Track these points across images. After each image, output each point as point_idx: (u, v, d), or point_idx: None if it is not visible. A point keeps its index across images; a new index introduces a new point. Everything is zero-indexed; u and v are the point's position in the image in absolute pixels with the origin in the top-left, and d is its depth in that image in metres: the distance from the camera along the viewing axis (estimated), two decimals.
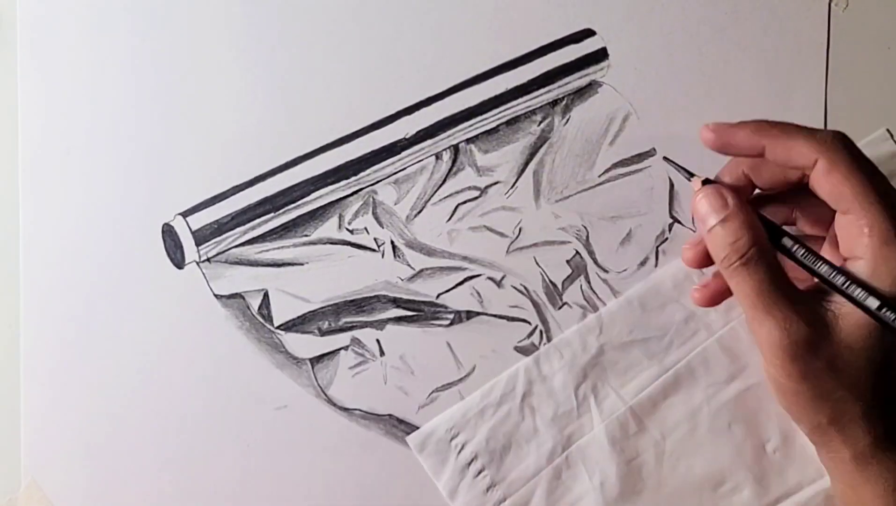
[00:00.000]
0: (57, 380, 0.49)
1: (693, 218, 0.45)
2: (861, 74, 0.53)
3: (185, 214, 0.49)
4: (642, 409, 0.49)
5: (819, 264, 0.40)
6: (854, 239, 0.38)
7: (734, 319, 0.50)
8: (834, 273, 0.39)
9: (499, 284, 0.50)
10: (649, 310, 0.50)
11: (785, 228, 0.42)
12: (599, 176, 0.51)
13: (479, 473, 0.49)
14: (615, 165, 0.51)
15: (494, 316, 0.50)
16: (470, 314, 0.50)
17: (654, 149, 0.51)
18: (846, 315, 0.38)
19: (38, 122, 0.49)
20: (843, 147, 0.39)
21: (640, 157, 0.51)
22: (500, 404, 0.49)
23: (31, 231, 0.49)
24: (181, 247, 0.49)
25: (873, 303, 0.38)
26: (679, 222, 0.51)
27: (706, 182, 0.43)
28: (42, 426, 0.49)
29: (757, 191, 0.44)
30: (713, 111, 0.52)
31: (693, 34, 0.52)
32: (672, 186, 0.51)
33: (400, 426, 0.49)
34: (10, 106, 0.49)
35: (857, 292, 0.38)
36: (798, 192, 0.42)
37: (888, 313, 0.37)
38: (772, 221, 0.41)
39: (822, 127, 0.52)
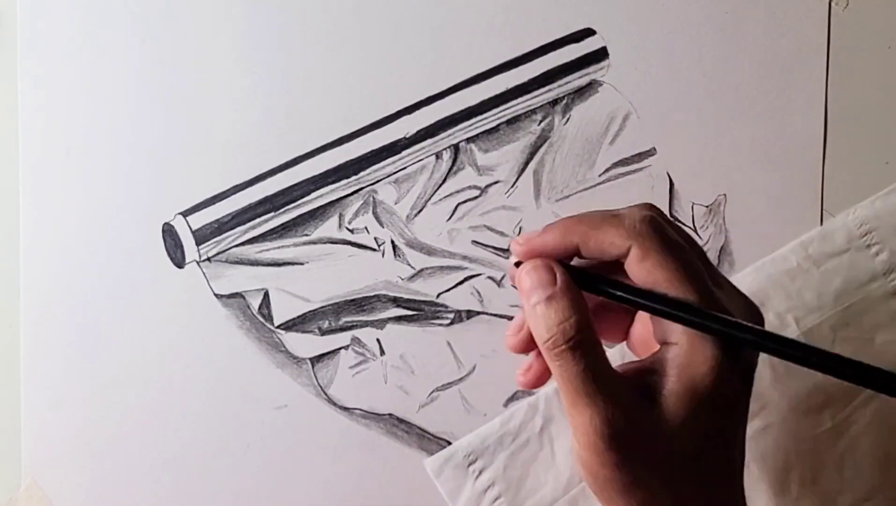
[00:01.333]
0: (57, 380, 0.49)
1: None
2: (861, 74, 0.53)
3: (185, 214, 0.49)
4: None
5: (649, 297, 0.37)
6: (669, 325, 0.37)
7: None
8: (663, 302, 0.37)
9: (499, 283, 0.50)
10: None
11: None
12: (600, 175, 0.51)
13: (496, 499, 0.49)
14: (615, 165, 0.51)
15: (495, 315, 0.50)
16: (470, 314, 0.50)
17: (655, 148, 0.51)
18: (665, 404, 0.37)
19: (38, 122, 0.49)
20: (654, 232, 0.37)
21: (641, 156, 0.51)
22: (520, 431, 0.49)
23: (32, 231, 0.49)
24: (181, 246, 0.49)
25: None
26: (679, 222, 0.51)
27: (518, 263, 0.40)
28: (42, 426, 0.49)
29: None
30: (713, 110, 0.52)
31: (693, 34, 0.52)
32: (672, 185, 0.51)
33: (400, 426, 0.49)
34: (10, 106, 0.49)
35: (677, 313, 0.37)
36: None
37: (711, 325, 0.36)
38: (584, 270, 0.39)
39: (822, 123, 0.52)
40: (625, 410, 0.36)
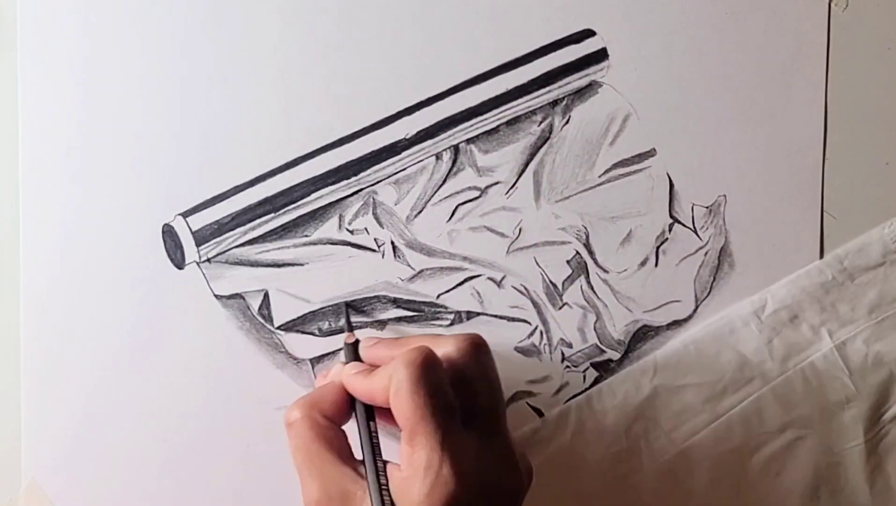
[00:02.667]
0: (57, 380, 0.49)
1: None
2: (861, 75, 0.53)
3: (185, 215, 0.49)
4: (693, 453, 0.49)
5: (367, 457, 0.42)
6: (403, 456, 0.40)
7: (790, 369, 0.50)
8: (373, 462, 0.41)
9: (499, 284, 0.50)
10: (705, 355, 0.50)
11: None
12: (600, 176, 0.51)
13: None
14: (615, 166, 0.51)
15: (495, 316, 0.50)
16: (470, 315, 0.50)
17: (655, 149, 0.51)
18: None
19: (39, 122, 0.49)
20: (410, 371, 0.40)
21: (641, 157, 0.51)
22: (552, 439, 0.49)
23: (32, 232, 0.49)
24: (181, 247, 0.49)
25: None
26: (679, 223, 0.51)
27: (354, 343, 0.46)
28: (42, 426, 0.49)
29: None
30: (713, 111, 0.52)
31: (693, 34, 0.52)
32: (672, 186, 0.51)
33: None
34: (10, 106, 0.49)
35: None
36: None
37: None
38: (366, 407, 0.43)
39: (821, 123, 0.52)
40: (326, 491, 0.41)
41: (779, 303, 0.51)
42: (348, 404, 0.44)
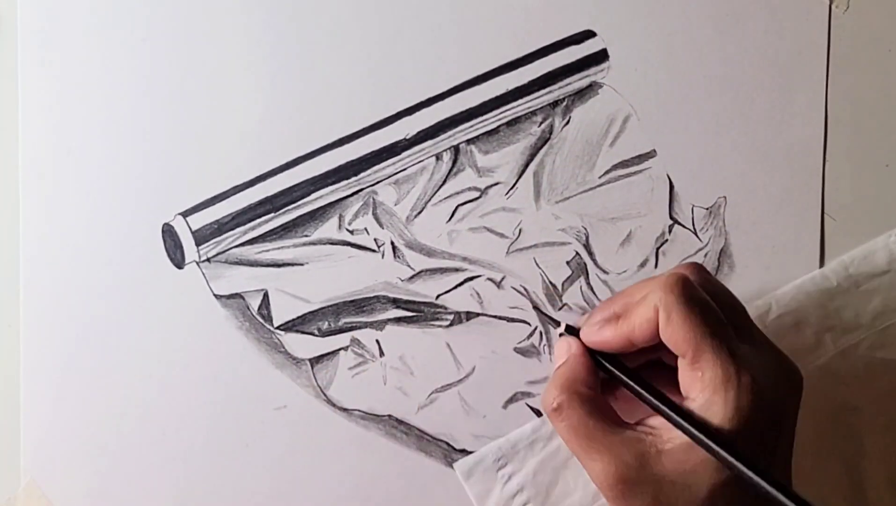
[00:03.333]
0: (56, 379, 0.49)
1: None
2: (862, 77, 0.53)
3: (185, 214, 0.49)
4: None
5: (654, 397, 0.41)
6: (689, 383, 0.40)
7: None
8: (666, 407, 0.40)
9: (499, 285, 0.50)
10: None
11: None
12: (600, 177, 0.51)
13: (525, 504, 0.49)
14: (615, 167, 0.51)
15: (494, 317, 0.50)
16: (470, 315, 0.50)
17: (655, 150, 0.51)
18: (668, 452, 0.39)
19: (39, 122, 0.49)
20: (676, 293, 0.40)
21: (641, 158, 0.51)
22: (552, 438, 0.49)
23: (32, 231, 0.49)
24: (181, 247, 0.49)
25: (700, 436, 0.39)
26: (679, 224, 0.51)
27: (568, 329, 0.45)
28: (41, 426, 0.49)
29: None
30: (713, 113, 0.52)
31: (694, 35, 0.52)
32: (672, 187, 0.51)
33: (399, 427, 0.49)
34: (10, 106, 0.49)
35: (684, 426, 0.39)
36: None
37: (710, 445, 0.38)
38: (613, 358, 0.43)
39: (822, 125, 0.52)
40: (626, 458, 0.39)
41: (783, 308, 0.51)
42: (596, 370, 0.43)
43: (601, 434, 0.40)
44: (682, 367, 0.40)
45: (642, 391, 0.41)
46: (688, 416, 0.39)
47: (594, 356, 0.43)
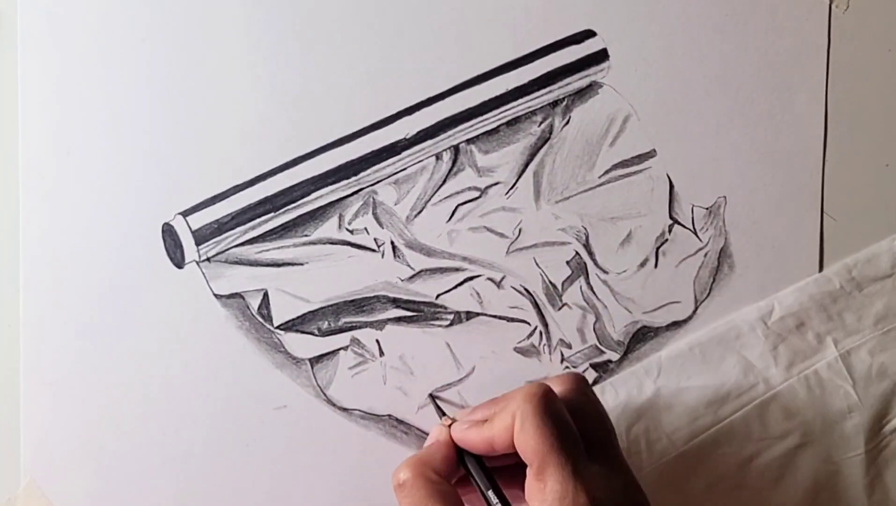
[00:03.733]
0: (56, 379, 0.49)
1: None
2: (861, 76, 0.53)
3: (185, 214, 0.49)
4: (693, 456, 0.49)
5: (490, 494, 0.42)
6: (532, 493, 0.40)
7: (794, 377, 0.50)
8: None
9: (498, 284, 0.50)
10: (710, 358, 0.50)
11: None
12: (599, 177, 0.51)
13: None
14: (615, 167, 0.51)
15: (494, 317, 0.50)
16: (469, 315, 0.50)
17: (655, 150, 0.51)
18: None
19: (39, 122, 0.49)
20: (534, 405, 0.40)
21: (641, 158, 0.51)
22: None
23: (32, 231, 0.49)
24: (181, 246, 0.49)
25: None
26: (679, 224, 0.51)
27: (443, 415, 0.47)
28: (41, 425, 0.49)
29: None
30: (713, 112, 0.52)
31: (694, 35, 0.52)
32: (672, 187, 0.51)
33: (399, 427, 0.49)
34: (10, 106, 0.49)
35: None
36: None
37: None
38: (476, 457, 0.44)
39: (822, 124, 0.52)
40: None
41: (786, 310, 0.51)
42: (456, 461, 0.44)
43: None
44: (529, 476, 0.40)
45: (483, 489, 0.42)
46: None
47: (458, 450, 0.44)
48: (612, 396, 0.50)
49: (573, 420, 0.41)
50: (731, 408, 0.50)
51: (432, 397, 0.50)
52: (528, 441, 0.39)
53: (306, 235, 0.50)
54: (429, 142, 0.50)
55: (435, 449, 0.44)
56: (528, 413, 0.40)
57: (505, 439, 0.41)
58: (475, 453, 0.43)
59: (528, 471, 0.40)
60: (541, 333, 0.50)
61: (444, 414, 0.48)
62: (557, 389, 0.43)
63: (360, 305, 0.50)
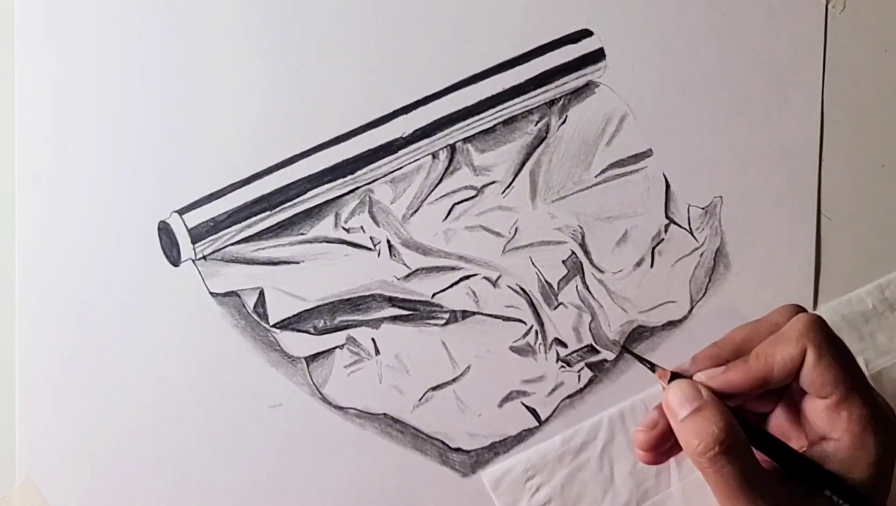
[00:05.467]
0: (52, 377, 0.49)
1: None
2: (858, 77, 0.53)
3: (181, 212, 0.49)
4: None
5: (796, 458, 0.40)
6: (831, 422, 0.40)
7: None
8: (811, 470, 0.40)
9: (494, 283, 0.50)
10: None
11: None
12: (596, 176, 0.51)
13: None
14: (612, 166, 0.51)
15: (490, 316, 0.50)
16: (465, 314, 0.50)
17: (651, 149, 0.51)
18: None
19: (35, 119, 0.49)
20: (826, 336, 0.40)
21: (637, 157, 0.51)
22: (580, 451, 0.49)
23: (27, 228, 0.49)
24: (177, 245, 0.49)
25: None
26: (675, 223, 0.51)
27: (674, 376, 0.42)
28: (37, 423, 0.49)
29: None
30: (710, 112, 0.52)
31: (690, 35, 0.52)
32: (668, 186, 0.51)
33: (395, 425, 0.49)
34: (6, 103, 0.49)
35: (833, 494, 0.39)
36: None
37: None
38: (743, 415, 0.41)
39: (818, 125, 0.52)
40: None
41: None
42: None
43: (760, 484, 0.38)
44: (822, 407, 0.40)
45: (784, 457, 0.40)
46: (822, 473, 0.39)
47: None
48: (643, 411, 0.50)
49: None
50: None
51: (625, 349, 0.49)
52: (828, 372, 0.39)
53: (302, 234, 0.50)
54: (425, 141, 0.50)
55: (717, 409, 0.40)
56: (825, 344, 0.40)
57: (789, 371, 0.40)
58: (734, 396, 0.41)
59: (820, 403, 0.40)
60: (536, 332, 0.50)
61: (655, 366, 0.43)
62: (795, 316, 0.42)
63: (355, 303, 0.50)
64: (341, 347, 0.50)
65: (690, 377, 0.41)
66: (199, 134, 0.50)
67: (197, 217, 0.49)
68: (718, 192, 0.52)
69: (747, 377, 0.40)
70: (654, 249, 0.51)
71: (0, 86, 0.49)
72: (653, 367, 0.42)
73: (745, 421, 0.40)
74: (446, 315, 0.50)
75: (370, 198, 0.50)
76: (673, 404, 0.41)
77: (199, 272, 0.49)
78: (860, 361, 0.50)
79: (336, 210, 0.50)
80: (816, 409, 0.40)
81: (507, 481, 0.49)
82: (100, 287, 0.49)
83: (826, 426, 0.40)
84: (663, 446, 0.42)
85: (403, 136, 0.50)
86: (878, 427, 0.39)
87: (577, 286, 0.51)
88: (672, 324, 0.51)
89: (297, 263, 0.50)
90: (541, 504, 0.49)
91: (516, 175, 0.51)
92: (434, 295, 0.50)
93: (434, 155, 0.51)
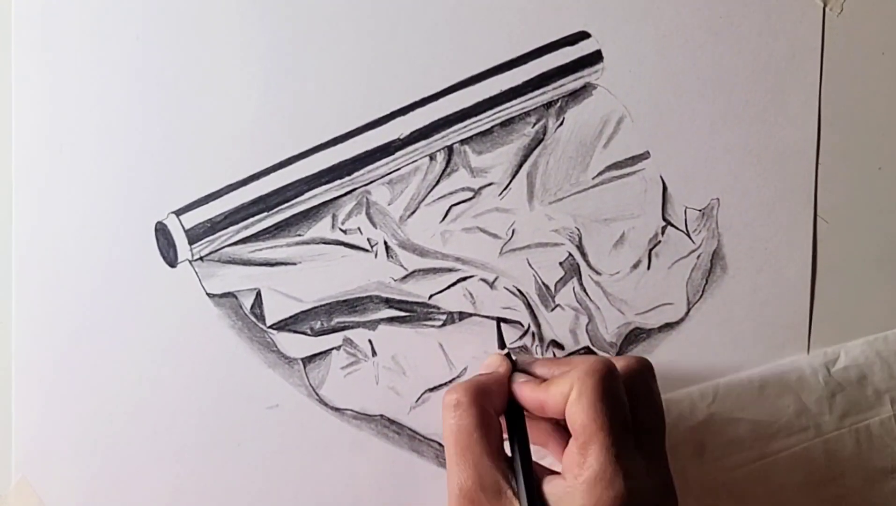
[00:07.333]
0: (48, 377, 0.49)
1: None
2: (855, 79, 0.53)
3: (178, 213, 0.49)
4: (732, 487, 0.49)
5: (515, 457, 0.42)
6: (570, 463, 0.40)
7: (845, 427, 0.51)
8: (518, 469, 0.41)
9: (491, 285, 0.50)
10: (767, 393, 0.51)
11: None
12: (593, 178, 0.51)
13: None
14: (609, 168, 0.51)
15: (487, 317, 0.50)
16: (462, 315, 0.50)
17: (648, 152, 0.51)
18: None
19: (32, 119, 0.49)
20: (595, 381, 0.40)
21: (634, 159, 0.51)
22: None
23: (24, 229, 0.49)
24: (174, 245, 0.49)
25: None
26: (672, 225, 0.51)
27: (510, 358, 0.46)
28: (33, 423, 0.49)
29: None
30: (707, 114, 0.52)
31: (688, 37, 0.52)
32: (665, 189, 0.51)
33: (391, 427, 0.49)
34: (4, 103, 0.49)
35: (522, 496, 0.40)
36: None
37: None
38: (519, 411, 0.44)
39: (815, 127, 0.52)
40: (480, 482, 0.40)
41: (851, 360, 0.51)
42: (507, 403, 0.44)
43: (479, 449, 0.41)
44: (571, 446, 0.40)
45: (515, 445, 0.42)
46: (534, 490, 0.40)
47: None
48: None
49: (629, 404, 0.41)
50: (779, 446, 0.50)
51: (499, 321, 0.50)
52: (580, 415, 0.39)
53: (299, 235, 0.50)
54: (422, 142, 0.50)
55: (494, 384, 0.44)
56: (587, 388, 0.40)
57: (558, 405, 0.41)
58: (527, 407, 0.43)
59: (572, 442, 0.40)
60: (533, 333, 0.50)
61: (505, 345, 0.48)
62: (621, 368, 0.42)
63: (352, 304, 0.50)
64: (338, 348, 0.50)
65: (515, 362, 0.45)
66: (196, 135, 0.49)
67: (194, 218, 0.49)
68: (715, 194, 0.52)
69: (530, 397, 0.43)
70: (650, 251, 0.51)
71: None
72: (503, 346, 0.47)
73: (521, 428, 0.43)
74: (443, 317, 0.50)
75: (367, 199, 0.50)
76: (482, 366, 0.47)
77: (196, 273, 0.49)
78: (886, 398, 0.51)
79: (333, 211, 0.50)
80: (570, 447, 0.40)
81: None
82: (97, 288, 0.49)
83: (567, 464, 0.40)
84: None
85: (401, 137, 0.50)
86: (602, 488, 0.38)
87: (574, 288, 0.51)
88: (669, 326, 0.51)
89: (294, 264, 0.50)
90: None
91: (513, 177, 0.51)
92: (431, 296, 0.50)
93: (431, 156, 0.51)
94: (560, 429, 0.45)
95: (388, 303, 0.50)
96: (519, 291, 0.50)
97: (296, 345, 0.49)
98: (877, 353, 0.52)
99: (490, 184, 0.51)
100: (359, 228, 0.50)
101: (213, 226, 0.49)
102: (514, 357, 0.46)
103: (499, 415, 0.43)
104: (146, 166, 0.49)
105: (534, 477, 0.41)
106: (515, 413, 0.44)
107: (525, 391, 0.43)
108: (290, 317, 0.49)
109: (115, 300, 0.49)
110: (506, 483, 0.40)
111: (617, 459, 0.39)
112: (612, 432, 0.39)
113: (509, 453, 0.42)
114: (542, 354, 0.50)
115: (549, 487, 0.40)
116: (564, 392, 0.41)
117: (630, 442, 0.40)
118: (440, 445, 0.50)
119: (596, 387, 0.40)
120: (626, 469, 0.39)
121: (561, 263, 0.51)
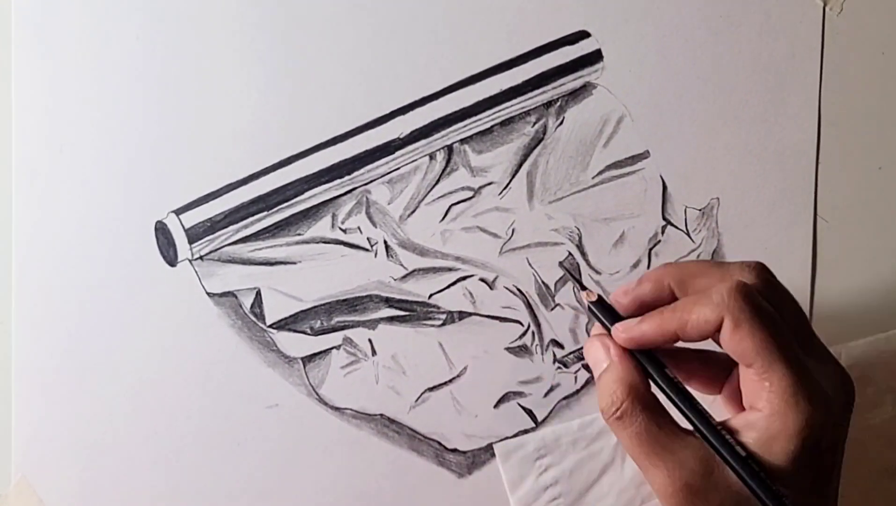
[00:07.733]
0: (49, 377, 0.49)
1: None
2: (855, 79, 0.53)
3: (178, 212, 0.49)
4: None
5: (694, 416, 0.40)
6: (755, 392, 0.39)
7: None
8: (705, 427, 0.39)
9: (491, 284, 0.50)
10: None
11: None
12: (593, 178, 0.51)
13: (555, 499, 0.49)
14: (609, 167, 0.51)
15: (487, 317, 0.50)
16: (462, 315, 0.50)
17: (648, 151, 0.51)
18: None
19: (32, 119, 0.49)
20: (744, 302, 0.39)
21: (634, 159, 0.51)
22: (596, 439, 0.49)
23: (24, 228, 0.49)
24: (174, 245, 0.49)
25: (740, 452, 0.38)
26: (672, 225, 0.51)
27: (600, 300, 0.43)
28: (33, 423, 0.49)
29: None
30: (707, 114, 0.52)
31: (688, 37, 0.52)
32: (665, 188, 0.51)
33: (391, 426, 0.49)
34: (4, 102, 0.49)
35: (727, 447, 0.39)
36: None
37: (749, 467, 0.38)
38: (661, 366, 0.41)
39: (815, 127, 0.52)
40: (689, 467, 0.38)
41: (851, 360, 0.51)
42: (642, 370, 0.41)
43: (667, 440, 0.39)
44: (747, 375, 0.39)
45: (688, 413, 0.40)
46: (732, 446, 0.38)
47: (637, 358, 0.41)
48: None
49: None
50: None
51: (565, 267, 0.49)
52: (745, 341, 0.38)
53: (299, 234, 0.50)
54: (422, 141, 0.50)
55: (625, 369, 0.41)
56: (744, 313, 0.38)
57: (701, 331, 0.39)
58: (649, 347, 0.41)
59: (746, 371, 0.39)
60: (533, 333, 0.50)
61: (584, 287, 0.44)
62: (747, 278, 0.40)
63: (352, 304, 0.50)
64: (338, 347, 0.50)
65: (610, 306, 0.43)
66: (196, 134, 0.50)
67: (194, 217, 0.49)
68: (715, 193, 0.52)
69: (660, 331, 0.40)
70: (650, 250, 0.51)
71: None
72: (582, 287, 0.44)
73: (666, 376, 0.41)
74: (443, 316, 0.50)
75: (367, 198, 0.50)
76: (591, 362, 0.43)
77: (196, 272, 0.49)
78: (887, 398, 0.51)
79: (333, 211, 0.50)
80: (745, 377, 0.39)
81: (518, 456, 0.49)
82: (96, 287, 0.49)
83: (752, 396, 0.39)
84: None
85: (401, 136, 0.50)
86: (803, 400, 0.37)
87: (573, 288, 0.51)
88: None
89: (294, 263, 0.50)
90: (546, 485, 0.49)
91: (513, 176, 0.51)
92: (431, 296, 0.50)
93: (431, 156, 0.51)
94: (698, 357, 0.43)
95: (388, 302, 0.50)
96: (519, 290, 0.50)
97: (295, 344, 0.49)
98: (878, 353, 0.52)
99: (490, 183, 0.51)
100: (359, 228, 0.50)
101: (213, 225, 0.49)
102: (593, 297, 0.43)
103: (650, 389, 0.41)
104: (146, 166, 0.49)
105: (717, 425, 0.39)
106: (654, 363, 0.41)
107: (649, 331, 0.40)
108: (290, 316, 0.49)
109: (114, 300, 0.49)
110: (709, 451, 0.38)
111: (801, 370, 0.38)
112: (785, 346, 0.38)
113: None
114: (543, 355, 0.50)
115: (751, 422, 0.38)
116: (710, 319, 0.39)
117: (799, 350, 0.39)
118: (440, 444, 0.50)
119: (753, 310, 0.38)
120: (811, 377, 0.38)
121: (561, 263, 0.51)
